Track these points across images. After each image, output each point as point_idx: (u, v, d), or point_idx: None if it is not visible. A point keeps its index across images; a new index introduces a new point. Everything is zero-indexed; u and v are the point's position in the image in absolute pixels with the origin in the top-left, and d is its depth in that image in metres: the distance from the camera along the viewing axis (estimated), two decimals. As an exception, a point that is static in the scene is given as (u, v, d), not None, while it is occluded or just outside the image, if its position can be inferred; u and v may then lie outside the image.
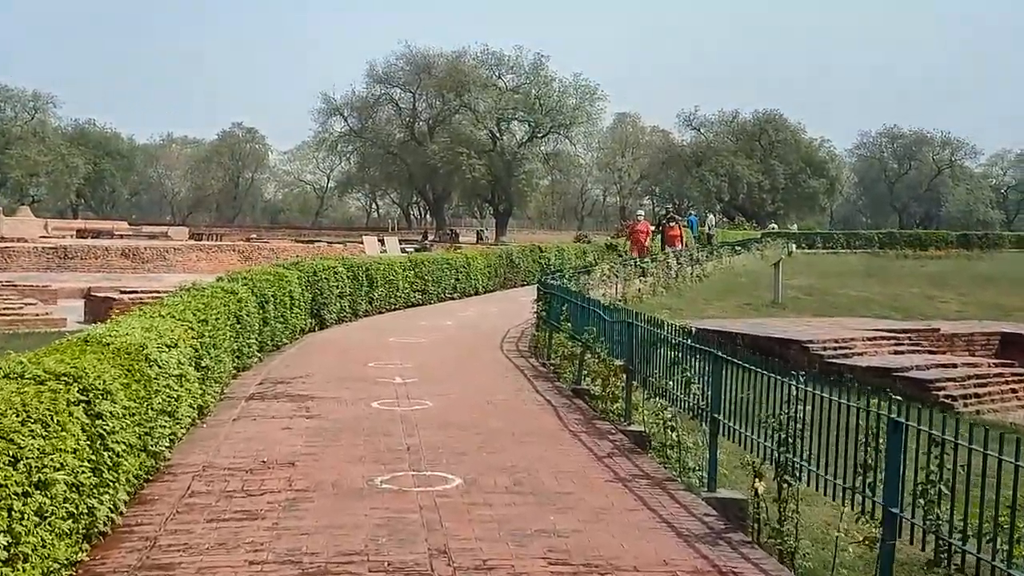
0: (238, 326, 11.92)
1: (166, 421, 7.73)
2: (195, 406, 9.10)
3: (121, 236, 54.39)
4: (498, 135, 73.51)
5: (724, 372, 7.29)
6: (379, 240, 51.02)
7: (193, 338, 9.31)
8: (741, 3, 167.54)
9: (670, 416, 8.51)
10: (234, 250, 39.61)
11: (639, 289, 24.69)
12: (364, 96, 75.78)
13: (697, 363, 7.89)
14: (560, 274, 19.39)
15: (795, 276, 32.59)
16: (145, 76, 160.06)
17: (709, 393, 7.39)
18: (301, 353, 14.50)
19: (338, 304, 18.35)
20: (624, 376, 9.72)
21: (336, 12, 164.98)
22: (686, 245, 33.59)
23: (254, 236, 59.25)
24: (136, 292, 22.95)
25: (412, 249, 50.04)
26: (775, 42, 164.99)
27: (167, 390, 7.80)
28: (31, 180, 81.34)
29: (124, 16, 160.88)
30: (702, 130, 79.21)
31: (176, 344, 8.43)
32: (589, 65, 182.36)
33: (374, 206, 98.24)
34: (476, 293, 25.00)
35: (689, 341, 8.16)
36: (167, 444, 7.71)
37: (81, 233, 56.37)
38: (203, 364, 9.54)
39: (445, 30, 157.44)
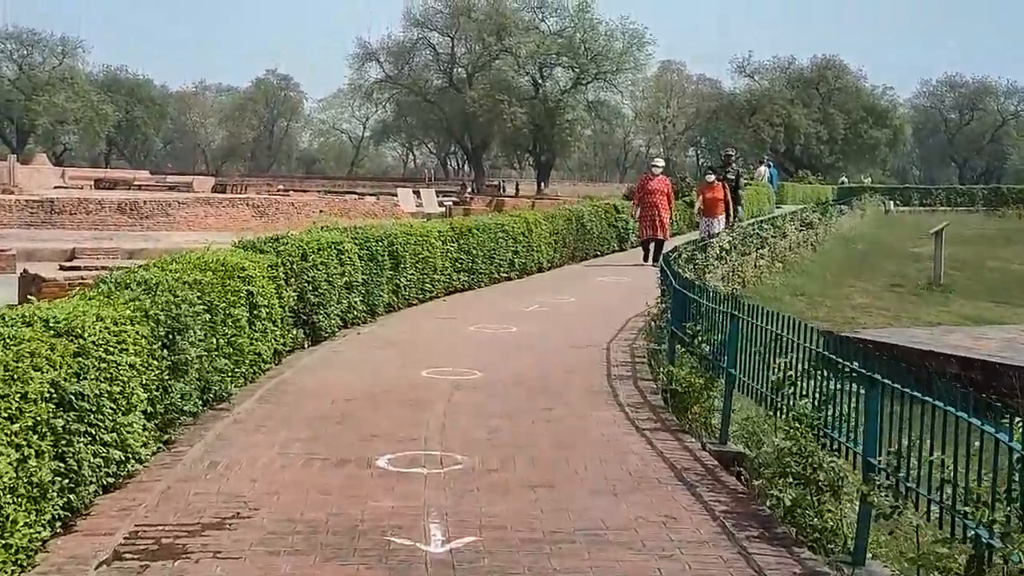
0: (68, 417, 4.88)
1: None
2: None
3: (140, 187, 47.98)
4: (540, 81, 65.67)
5: None
6: (414, 192, 43.83)
7: None
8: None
9: None
10: (248, 204, 32.48)
11: (756, 265, 17.47)
12: (401, 41, 67.95)
13: None
14: (677, 254, 12.30)
15: (920, 242, 25.17)
16: (177, 22, 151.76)
17: None
18: (252, 423, 7.36)
19: (344, 301, 11.25)
20: None
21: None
22: (736, 217, 20.08)
23: (281, 188, 52.17)
24: (79, 268, 16.01)
25: (451, 203, 42.79)
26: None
27: None
28: (60, 127, 74.56)
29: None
30: (756, 77, 70.70)
31: None
32: (635, 8, 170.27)
33: (410, 156, 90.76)
34: (539, 269, 17.73)
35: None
36: None
37: (99, 183, 50.04)
38: None
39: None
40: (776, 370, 6.07)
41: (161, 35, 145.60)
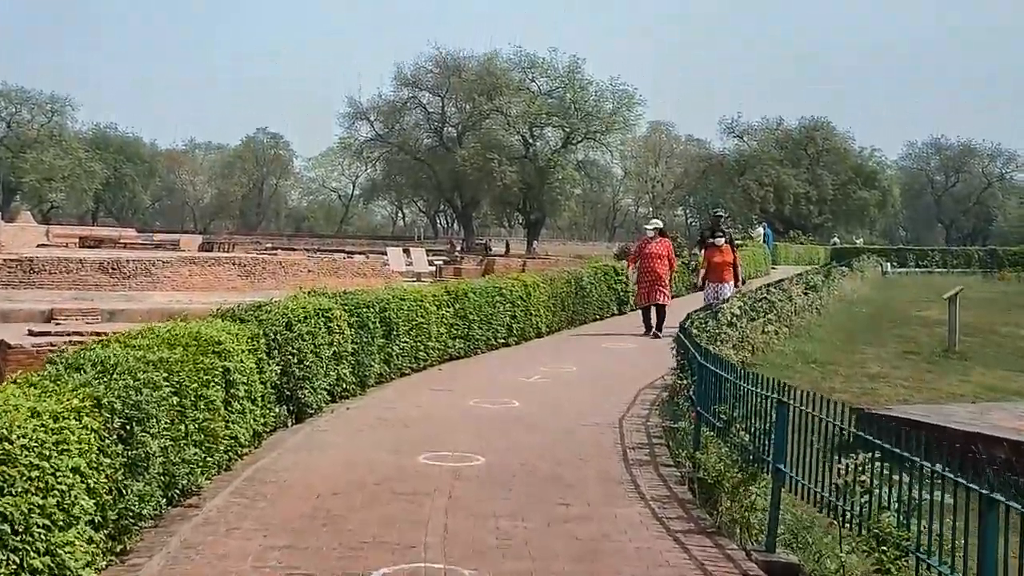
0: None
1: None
2: None
3: (125, 245, 47.03)
4: (531, 141, 65.37)
5: None
6: (404, 251, 43.02)
7: None
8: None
9: None
10: (234, 264, 31.47)
11: (764, 331, 16.55)
12: (391, 100, 67.69)
13: None
14: (691, 323, 11.36)
15: (925, 305, 24.36)
16: (168, 79, 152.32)
17: None
18: (224, 524, 6.20)
19: (332, 373, 10.27)
20: None
21: (364, 13, 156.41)
22: (742, 281, 18.78)
23: (269, 246, 51.25)
24: (48, 334, 15.01)
25: (441, 262, 42.01)
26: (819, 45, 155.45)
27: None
28: (47, 185, 73.69)
29: (145, 17, 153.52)
30: (745, 137, 70.64)
31: None
32: (625, 72, 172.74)
33: (400, 215, 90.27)
34: (538, 335, 16.79)
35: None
36: None
37: (84, 241, 49.11)
38: None
39: (477, 30, 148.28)
40: (842, 472, 5.11)
41: (152, 94, 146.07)
